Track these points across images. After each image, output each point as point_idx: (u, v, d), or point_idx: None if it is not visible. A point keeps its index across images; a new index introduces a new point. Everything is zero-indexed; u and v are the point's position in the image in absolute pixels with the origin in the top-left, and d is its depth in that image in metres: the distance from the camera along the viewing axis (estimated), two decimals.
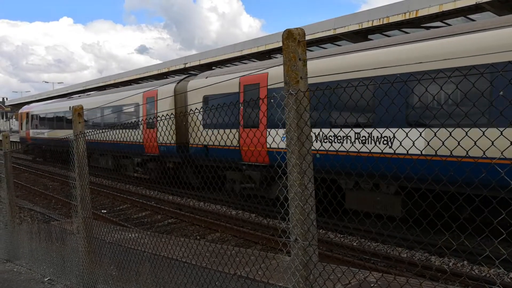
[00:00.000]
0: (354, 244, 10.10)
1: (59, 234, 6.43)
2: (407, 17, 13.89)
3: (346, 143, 10.33)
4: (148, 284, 4.67)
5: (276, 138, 11.57)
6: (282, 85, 2.67)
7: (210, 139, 14.28)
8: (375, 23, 14.86)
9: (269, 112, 11.11)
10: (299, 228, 2.58)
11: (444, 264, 8.42)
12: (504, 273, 7.78)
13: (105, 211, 15.00)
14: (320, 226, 11.10)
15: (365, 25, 15.13)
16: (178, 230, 12.35)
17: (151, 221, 13.86)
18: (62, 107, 29.34)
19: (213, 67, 22.88)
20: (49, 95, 48.38)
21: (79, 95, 34.39)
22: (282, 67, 2.66)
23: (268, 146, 12.30)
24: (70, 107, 26.39)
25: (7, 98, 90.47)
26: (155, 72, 27.73)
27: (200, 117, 14.85)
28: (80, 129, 5.14)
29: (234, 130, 12.77)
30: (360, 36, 15.78)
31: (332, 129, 10.62)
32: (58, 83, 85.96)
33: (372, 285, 5.09)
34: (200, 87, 14.92)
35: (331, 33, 16.18)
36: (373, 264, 8.40)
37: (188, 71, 24.88)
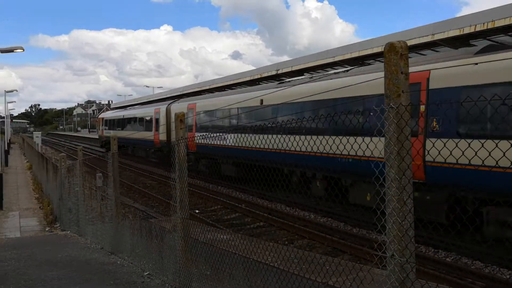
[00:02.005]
0: (448, 260, 9.59)
1: (158, 232, 6.83)
2: None
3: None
4: (240, 286, 4.82)
5: None
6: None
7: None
8: (478, 28, 14.00)
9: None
10: (396, 244, 2.55)
11: None
12: None
13: (198, 211, 15.64)
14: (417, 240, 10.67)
15: (467, 30, 14.32)
16: (266, 234, 12.55)
17: (241, 223, 14.22)
18: (119, 115, 42.44)
19: (305, 73, 22.93)
20: (130, 102, 58.54)
21: (135, 106, 46.23)
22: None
23: None
24: (123, 115, 40.94)
25: (112, 101, 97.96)
26: (248, 78, 28.37)
27: None
28: (181, 134, 5.45)
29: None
30: (460, 41, 14.97)
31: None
32: (158, 87, 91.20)
33: None
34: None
35: (429, 39, 15.52)
36: (472, 284, 7.92)
37: (280, 77, 25.18)
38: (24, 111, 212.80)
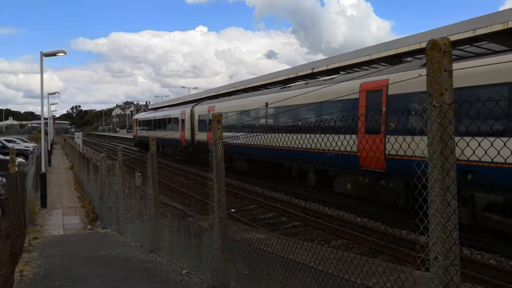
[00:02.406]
0: (492, 262, 9.30)
1: (196, 230, 6.91)
2: None
3: None
4: (278, 286, 4.81)
5: None
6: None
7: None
8: None
9: None
10: (439, 246, 2.49)
11: None
12: None
13: (234, 210, 15.74)
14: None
15: (511, 24, 13.80)
16: (303, 234, 12.50)
17: (277, 222, 14.22)
18: (151, 116, 46.42)
19: (341, 72, 22.69)
20: (162, 104, 62.59)
21: (165, 108, 49.93)
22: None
23: None
24: (154, 116, 44.64)
25: (149, 102, 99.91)
26: (283, 78, 28.32)
27: None
28: (218, 134, 5.50)
29: None
30: (504, 37, 14.45)
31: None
32: (193, 88, 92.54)
33: None
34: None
35: (470, 34, 15.05)
36: None
37: (316, 76, 25.02)
38: (66, 113, 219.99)
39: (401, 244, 10.71)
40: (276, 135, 14.66)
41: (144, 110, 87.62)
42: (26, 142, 47.98)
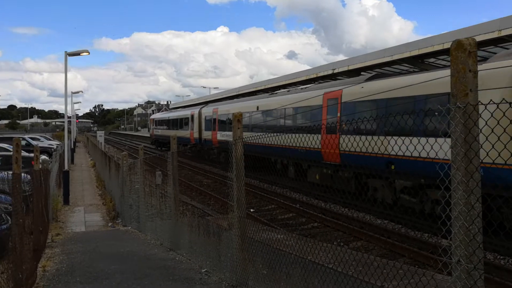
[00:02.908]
0: None
1: (215, 229, 6.94)
2: None
3: None
4: (297, 287, 4.80)
5: None
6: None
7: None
8: None
9: None
10: (462, 250, 2.45)
11: None
12: None
13: (253, 210, 15.75)
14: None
15: None
16: (322, 235, 12.43)
17: (296, 223, 14.18)
18: (166, 116, 49.99)
19: (362, 73, 22.52)
20: (181, 104, 66.12)
21: (179, 109, 53.93)
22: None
23: None
24: (168, 116, 48.07)
25: (170, 102, 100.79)
26: (304, 78, 28.24)
27: None
28: (239, 134, 5.51)
29: None
30: None
31: None
32: (214, 88, 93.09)
33: None
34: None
35: (495, 35, 14.79)
36: None
37: (336, 77, 24.87)
38: (88, 111, 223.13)
39: (422, 246, 10.56)
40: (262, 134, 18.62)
41: (165, 110, 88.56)
42: (50, 140, 48.84)
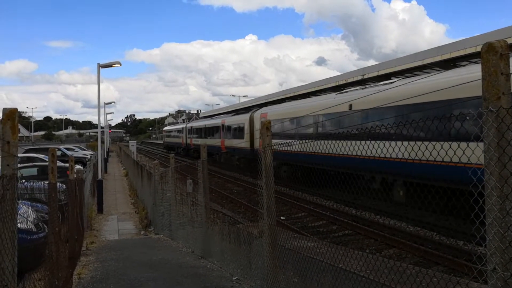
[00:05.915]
0: None
1: (246, 237, 6.95)
2: None
3: None
4: None
5: None
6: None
7: None
8: None
9: None
10: (498, 257, 2.38)
11: None
12: None
13: (283, 218, 15.70)
14: None
15: None
16: (353, 242, 12.28)
17: (327, 231, 14.05)
18: (175, 128, 62.18)
19: (392, 78, 22.23)
20: (209, 113, 68.86)
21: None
22: None
23: None
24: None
25: (201, 111, 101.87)
26: (333, 84, 28.09)
27: None
28: (267, 141, 5.52)
29: None
30: None
31: None
32: (243, 96, 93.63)
33: None
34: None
35: None
36: None
37: (366, 82, 24.63)
38: (121, 121, 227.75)
39: (456, 254, 10.30)
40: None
41: (196, 119, 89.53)
42: (84, 150, 50.10)
